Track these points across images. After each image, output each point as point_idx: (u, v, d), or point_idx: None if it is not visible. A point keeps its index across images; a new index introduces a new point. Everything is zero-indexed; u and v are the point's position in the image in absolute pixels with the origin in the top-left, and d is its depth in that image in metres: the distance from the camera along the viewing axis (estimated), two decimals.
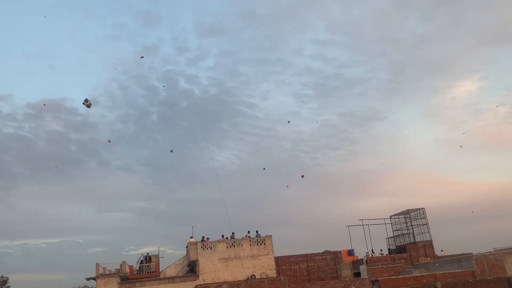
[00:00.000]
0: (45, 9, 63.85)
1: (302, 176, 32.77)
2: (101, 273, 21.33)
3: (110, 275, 21.45)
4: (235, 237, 22.96)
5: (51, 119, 60.85)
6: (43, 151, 59.14)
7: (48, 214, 60.81)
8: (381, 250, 27.97)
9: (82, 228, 62.65)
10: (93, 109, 65.20)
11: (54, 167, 59.69)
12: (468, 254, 24.01)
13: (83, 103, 17.50)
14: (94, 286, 22.09)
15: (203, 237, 23.01)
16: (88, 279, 22.44)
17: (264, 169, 39.32)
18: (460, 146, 53.63)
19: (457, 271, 20.73)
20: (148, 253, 23.47)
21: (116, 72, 67.01)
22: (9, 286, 35.19)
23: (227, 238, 23.16)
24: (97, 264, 21.48)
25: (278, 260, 24.47)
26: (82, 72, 72.46)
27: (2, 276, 34.77)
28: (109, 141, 51.49)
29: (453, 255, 25.82)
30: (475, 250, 25.99)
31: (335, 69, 69.00)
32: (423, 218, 27.43)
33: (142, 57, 51.60)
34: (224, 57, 70.90)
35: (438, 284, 17.64)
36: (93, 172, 63.22)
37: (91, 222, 61.13)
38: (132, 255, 74.97)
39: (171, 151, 31.01)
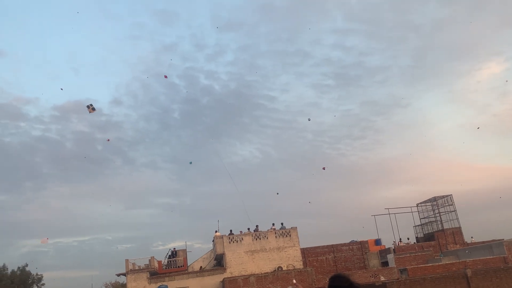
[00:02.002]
0: (69, 16, 65.08)
1: (324, 168, 32.59)
2: (130, 269, 21.85)
3: (140, 270, 21.95)
4: (259, 230, 23.10)
5: (77, 120, 62.24)
6: (71, 152, 60.64)
7: (78, 213, 62.44)
8: (408, 239, 27.65)
9: (111, 225, 64.12)
10: (116, 108, 66.49)
11: (82, 167, 61.08)
12: (499, 240, 23.46)
13: (88, 107, 17.74)
14: (125, 281, 22.63)
15: (231, 230, 23.25)
16: (118, 275, 23.05)
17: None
18: (478, 128, 51.71)
19: (488, 257, 20.33)
20: (174, 248, 23.88)
21: (137, 71, 67.98)
22: (44, 283, 36.47)
23: (253, 231, 23.35)
24: (127, 260, 22.00)
25: (304, 252, 24.46)
26: (104, 73, 73.74)
27: (37, 274, 36.03)
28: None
29: (483, 242, 25.26)
30: (506, 236, 25.27)
31: (355, 57, 68.03)
32: (451, 205, 26.90)
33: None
34: (243, 51, 70.86)
35: (468, 272, 17.33)
36: (119, 170, 64.52)
37: (119, 219, 62.49)
38: (161, 251, 76.34)
39: (190, 163, 31.16)
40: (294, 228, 23.26)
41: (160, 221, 63.82)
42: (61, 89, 49.63)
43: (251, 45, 69.95)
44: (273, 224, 23.96)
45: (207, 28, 70.22)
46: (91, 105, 18.06)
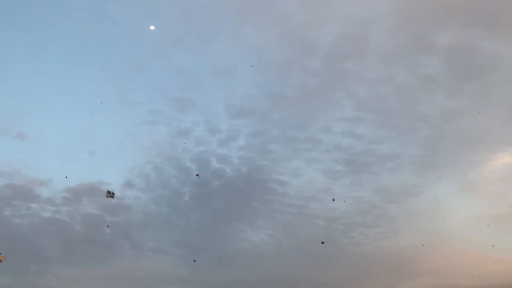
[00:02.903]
0: (89, 102, 68.39)
1: (322, 243, 31.23)
2: None
3: None
4: None
5: (87, 202, 62.33)
6: (79, 234, 59.90)
7: None
8: None
9: None
10: (128, 191, 66.70)
11: (88, 250, 59.91)
12: None
13: (109, 195, 17.95)
14: None
15: None
16: None
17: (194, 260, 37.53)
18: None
19: None
20: None
21: (151, 155, 69.28)
22: None
23: None
24: None
25: None
26: (118, 156, 75.14)
27: None
28: (108, 226, 51.91)
29: None
30: None
31: (365, 145, 69.13)
32: None
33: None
34: (255, 137, 72.57)
35: None
36: (127, 254, 62.95)
37: None
38: None
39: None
40: None
41: None
42: (66, 177, 50.36)
43: (263, 130, 71.85)
44: None
45: (221, 114, 72.74)
46: (111, 192, 18.26)
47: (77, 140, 73.92)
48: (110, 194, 16.67)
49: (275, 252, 64.03)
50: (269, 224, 67.92)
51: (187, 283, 63.34)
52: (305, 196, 66.95)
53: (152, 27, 45.39)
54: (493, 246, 56.26)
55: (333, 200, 45.90)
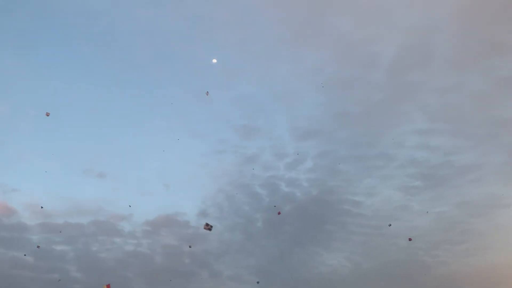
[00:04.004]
0: (161, 139, 72.03)
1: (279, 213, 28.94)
2: None
3: None
4: None
5: (166, 234, 64.43)
6: (159, 266, 61.79)
7: None
8: None
9: None
10: (203, 220, 68.10)
11: (169, 281, 61.42)
12: None
13: (207, 227, 18.35)
14: None
15: None
16: None
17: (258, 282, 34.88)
18: None
19: None
20: None
21: (222, 183, 70.64)
22: None
23: None
24: None
25: None
26: (191, 187, 77.52)
27: None
28: (190, 247, 52.83)
29: None
30: None
31: (442, 157, 65.42)
32: None
33: (279, 213, 53.78)
34: (322, 158, 71.51)
35: None
36: (206, 284, 63.64)
37: None
38: None
39: (258, 282, 30.32)
40: None
41: None
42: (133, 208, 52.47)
43: (330, 151, 70.75)
44: None
45: (286, 138, 72.92)
46: (209, 225, 18.76)
47: (153, 175, 77.58)
48: (208, 227, 17.18)
49: (355, 275, 61.62)
50: (346, 247, 65.82)
51: None
52: (382, 215, 64.32)
53: (214, 60, 47.13)
54: None
55: (390, 225, 43.31)
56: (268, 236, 68.23)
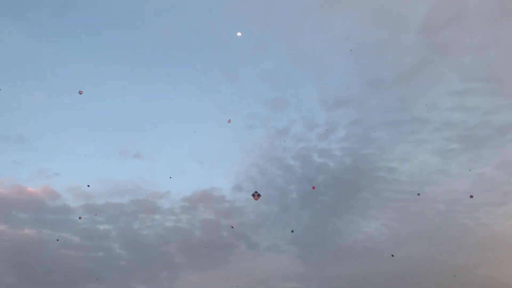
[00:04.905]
0: (190, 118, 72.85)
1: (313, 188, 28.77)
2: None
3: None
4: None
5: (203, 209, 66.03)
6: (199, 240, 63.59)
7: None
8: None
9: None
10: (238, 194, 69.21)
11: (209, 254, 63.19)
12: None
13: (255, 196, 18.64)
14: None
15: None
16: None
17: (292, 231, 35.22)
18: None
19: None
20: None
21: (254, 157, 71.09)
22: None
23: None
24: None
25: None
26: (225, 163, 78.51)
27: None
28: (232, 227, 54.01)
29: None
30: None
31: (480, 117, 63.06)
32: None
33: (313, 187, 53.19)
34: (354, 126, 70.40)
35: None
36: (244, 255, 65.11)
37: None
38: None
39: (292, 231, 30.53)
40: None
41: None
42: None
43: (362, 119, 69.51)
44: None
45: (317, 108, 72.09)
46: (257, 193, 19.04)
47: (186, 153, 79.01)
48: (256, 195, 17.59)
49: (393, 241, 61.32)
50: (382, 214, 65.36)
51: (307, 279, 63.54)
52: (418, 181, 63.28)
53: (238, 34, 46.76)
54: None
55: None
56: (303, 207, 68.60)
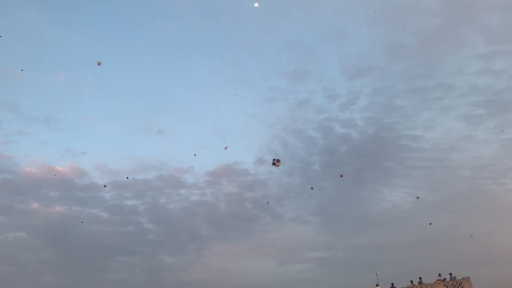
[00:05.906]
0: (212, 93, 73.11)
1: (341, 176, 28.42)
2: None
3: None
4: (423, 282, 20.92)
5: (227, 182, 67.14)
6: (224, 212, 64.94)
7: (235, 271, 65.17)
8: None
9: (267, 282, 65.00)
10: (261, 167, 69.86)
11: (235, 226, 64.64)
12: None
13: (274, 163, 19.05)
14: None
15: (392, 284, 21.59)
16: None
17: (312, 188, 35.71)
18: None
19: None
20: None
21: (275, 130, 71.21)
22: None
23: (416, 283, 21.26)
24: None
25: None
26: (246, 136, 79.11)
27: None
28: (268, 203, 55.21)
29: None
30: None
31: (507, 81, 60.72)
32: None
33: (341, 175, 52.15)
34: (377, 95, 69.09)
35: None
36: (269, 226, 66.17)
37: (274, 276, 63.14)
38: None
39: (311, 188, 30.74)
40: (466, 279, 20.48)
41: (314, 276, 62.43)
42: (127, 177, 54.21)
43: (385, 87, 68.13)
44: (439, 275, 21.50)
45: (337, 78, 71.06)
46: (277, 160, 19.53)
47: (208, 129, 79.90)
48: (276, 162, 18.14)
49: (418, 209, 60.82)
50: (407, 182, 64.75)
51: (332, 248, 64.29)
52: (443, 148, 62.10)
53: (256, 4, 46.03)
54: None
55: (430, 224, 40.67)
56: (326, 178, 68.62)
